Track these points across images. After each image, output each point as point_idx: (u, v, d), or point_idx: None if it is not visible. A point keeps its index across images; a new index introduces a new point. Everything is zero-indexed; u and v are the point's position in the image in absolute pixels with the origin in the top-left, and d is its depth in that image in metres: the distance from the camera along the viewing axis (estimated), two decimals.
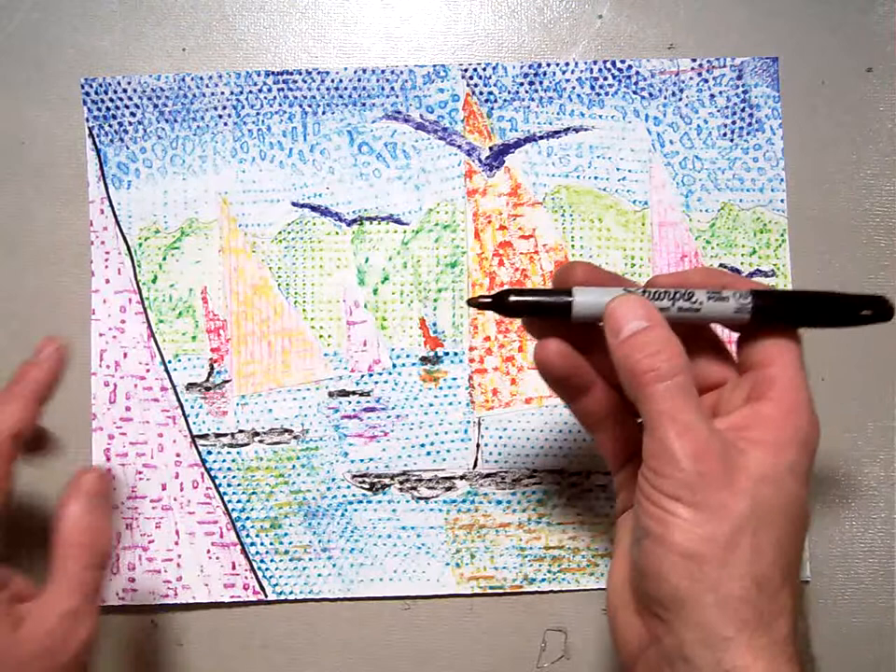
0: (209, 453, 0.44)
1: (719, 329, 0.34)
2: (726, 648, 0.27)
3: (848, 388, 0.44)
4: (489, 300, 0.32)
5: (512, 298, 0.32)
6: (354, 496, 0.43)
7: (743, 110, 0.45)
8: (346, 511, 0.43)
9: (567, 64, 0.45)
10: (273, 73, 0.45)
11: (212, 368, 0.44)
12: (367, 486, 0.43)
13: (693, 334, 0.33)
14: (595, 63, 0.45)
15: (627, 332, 0.30)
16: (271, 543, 0.43)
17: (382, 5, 0.46)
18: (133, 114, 0.45)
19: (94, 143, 0.45)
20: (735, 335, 0.33)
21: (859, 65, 0.45)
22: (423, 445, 0.44)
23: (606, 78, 0.45)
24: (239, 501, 0.44)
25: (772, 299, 0.32)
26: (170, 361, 0.44)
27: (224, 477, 0.44)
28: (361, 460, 0.44)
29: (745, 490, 0.28)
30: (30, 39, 0.45)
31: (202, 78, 0.45)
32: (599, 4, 0.45)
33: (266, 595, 0.43)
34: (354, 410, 0.44)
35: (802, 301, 0.32)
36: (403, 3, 0.46)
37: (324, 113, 0.45)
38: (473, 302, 0.33)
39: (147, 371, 0.44)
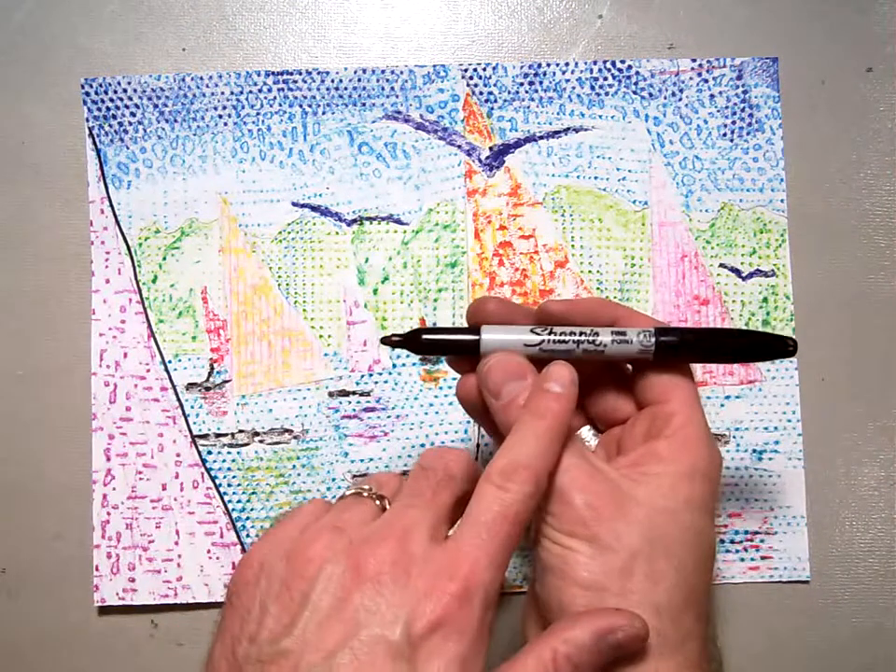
0: (209, 453, 0.44)
1: None
2: None
3: (848, 388, 0.44)
4: (399, 338, 0.33)
5: (425, 337, 0.33)
6: None
7: (743, 110, 0.45)
8: None
9: (566, 65, 0.45)
10: (273, 73, 0.45)
11: (212, 368, 0.44)
12: None
13: (602, 368, 0.34)
14: (595, 63, 0.45)
15: (506, 398, 0.31)
16: None
17: (382, 5, 0.46)
18: (133, 114, 0.45)
19: (94, 143, 0.45)
20: None
21: (859, 65, 0.45)
22: (423, 445, 0.44)
23: (606, 79, 0.45)
24: (239, 501, 0.44)
25: (675, 339, 0.32)
26: (170, 361, 0.44)
27: (224, 477, 0.44)
28: (361, 460, 0.44)
29: (638, 520, 0.29)
30: (30, 39, 0.45)
31: (202, 78, 0.45)
32: (599, 4, 0.45)
33: None
34: (354, 410, 0.44)
35: (703, 340, 0.33)
36: (403, 3, 0.46)
37: (324, 113, 0.45)
38: (386, 341, 0.33)
39: (148, 370, 0.44)
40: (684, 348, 0.32)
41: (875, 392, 0.44)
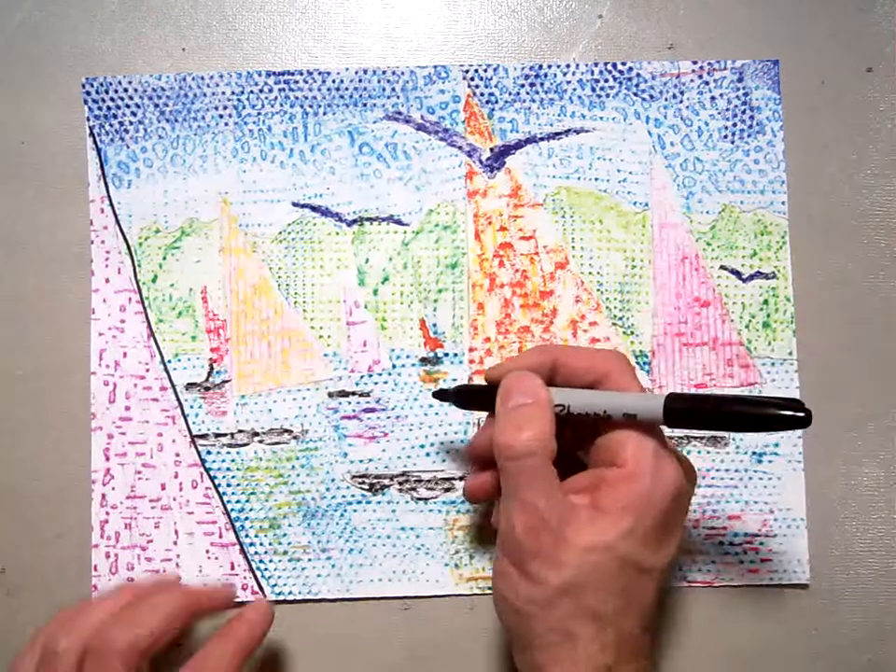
0: (208, 452, 0.44)
1: None
2: None
3: (848, 388, 0.44)
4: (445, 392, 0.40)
5: (459, 388, 0.40)
6: (353, 496, 0.43)
7: (744, 112, 0.45)
8: (346, 511, 0.43)
9: (567, 66, 0.45)
10: (273, 73, 0.45)
11: (211, 368, 0.44)
12: (366, 487, 0.43)
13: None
14: (595, 64, 0.45)
15: (511, 405, 0.35)
16: (270, 543, 0.43)
17: (382, 5, 0.46)
18: (133, 113, 0.45)
19: (95, 142, 0.45)
20: None
21: (859, 65, 0.45)
22: (422, 446, 0.44)
23: (606, 80, 0.45)
24: (238, 501, 0.43)
25: (682, 411, 0.33)
26: (169, 361, 0.44)
27: (223, 477, 0.44)
28: (361, 461, 0.44)
29: (567, 564, 0.32)
30: (30, 39, 0.45)
31: (202, 78, 0.45)
32: (599, 4, 0.45)
33: (265, 596, 0.43)
34: (353, 410, 0.44)
35: (713, 409, 0.32)
36: (403, 3, 0.46)
37: (325, 113, 0.45)
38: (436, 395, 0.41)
39: (147, 370, 0.44)
40: (691, 420, 0.33)
41: (875, 392, 0.44)
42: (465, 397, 0.39)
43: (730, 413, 0.32)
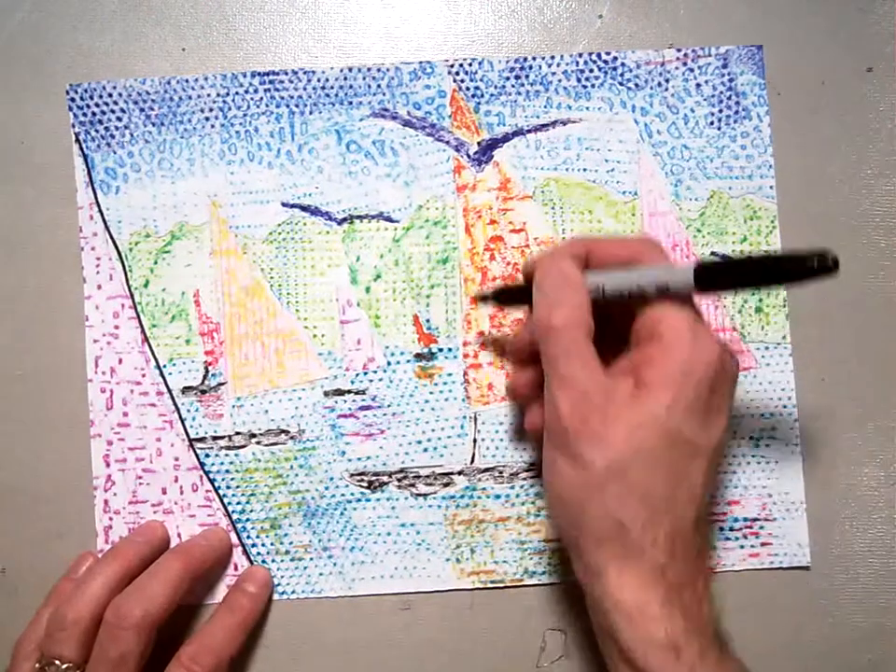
0: (207, 455, 0.44)
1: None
2: (600, 576, 0.32)
3: (848, 388, 0.44)
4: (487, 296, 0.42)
5: (502, 290, 0.42)
6: (352, 494, 0.44)
7: (729, 98, 0.45)
8: (345, 509, 0.44)
9: (552, 58, 0.45)
10: (259, 73, 0.45)
11: (207, 371, 0.44)
12: (365, 485, 0.44)
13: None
14: (580, 55, 0.45)
15: (546, 288, 0.35)
16: (272, 544, 0.44)
17: (382, 5, 0.45)
18: (119, 118, 0.45)
19: (81, 148, 0.45)
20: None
21: (859, 65, 0.45)
22: (420, 442, 0.44)
23: (592, 70, 0.45)
24: (239, 503, 0.44)
25: (712, 272, 0.33)
26: (165, 366, 0.44)
27: (223, 479, 0.44)
28: (359, 459, 0.44)
29: (613, 442, 0.32)
30: (30, 39, 0.45)
31: (187, 81, 0.45)
32: (599, 4, 0.45)
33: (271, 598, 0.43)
34: (350, 409, 0.44)
35: (743, 267, 0.33)
36: (403, 3, 0.45)
37: (311, 112, 0.45)
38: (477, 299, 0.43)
39: (143, 375, 0.44)
40: (723, 278, 0.33)
41: (875, 392, 0.44)
42: (504, 296, 0.41)
43: (759, 266, 0.32)
